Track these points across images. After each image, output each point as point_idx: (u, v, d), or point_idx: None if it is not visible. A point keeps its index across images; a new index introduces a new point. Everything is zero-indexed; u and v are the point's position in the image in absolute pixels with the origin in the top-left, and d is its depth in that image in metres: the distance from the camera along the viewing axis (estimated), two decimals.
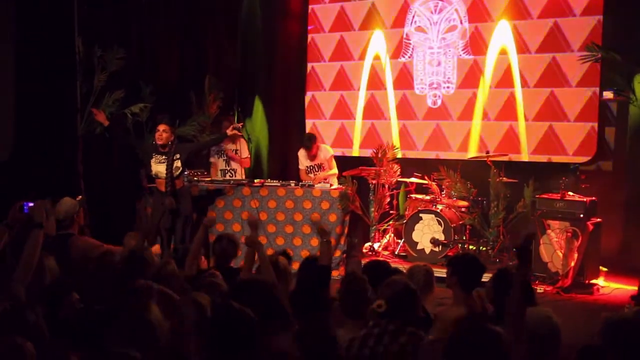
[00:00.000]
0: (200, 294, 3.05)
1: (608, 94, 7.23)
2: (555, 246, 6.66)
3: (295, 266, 6.39)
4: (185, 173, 6.99)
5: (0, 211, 4.20)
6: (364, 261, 7.16)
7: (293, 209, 7.25)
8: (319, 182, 7.48)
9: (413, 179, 8.00)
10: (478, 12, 8.39)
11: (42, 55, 6.90)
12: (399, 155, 8.39)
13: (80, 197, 5.18)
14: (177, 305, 3.02)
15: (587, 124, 7.75)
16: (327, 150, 7.97)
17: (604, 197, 7.07)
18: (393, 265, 5.04)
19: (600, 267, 6.87)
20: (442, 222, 7.39)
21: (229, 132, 6.98)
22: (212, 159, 7.92)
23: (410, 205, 7.88)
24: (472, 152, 8.37)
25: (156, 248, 5.52)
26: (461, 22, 8.51)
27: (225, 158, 7.91)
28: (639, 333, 2.67)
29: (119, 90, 7.66)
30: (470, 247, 7.52)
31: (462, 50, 8.51)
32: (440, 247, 7.38)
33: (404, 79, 8.93)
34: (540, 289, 6.37)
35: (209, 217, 4.67)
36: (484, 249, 7.39)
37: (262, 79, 9.79)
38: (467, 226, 7.48)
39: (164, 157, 6.46)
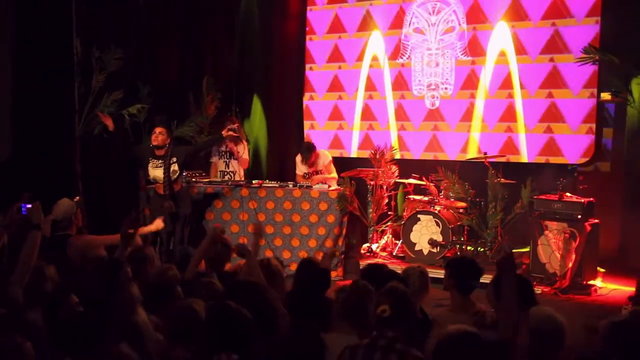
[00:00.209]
0: (195, 300, 3.05)
1: (606, 96, 7.25)
2: (553, 247, 6.67)
3: (293, 267, 6.43)
4: (184, 174, 7.00)
5: None
6: (362, 262, 7.17)
7: (291, 210, 7.25)
8: (317, 183, 7.48)
9: (411, 180, 8.00)
10: (476, 14, 8.40)
11: (40, 56, 6.89)
12: (397, 157, 8.40)
13: (78, 197, 5.17)
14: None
15: (585, 125, 7.77)
16: (325, 156, 7.95)
17: (602, 198, 7.08)
18: (391, 266, 5.06)
19: (598, 268, 6.88)
20: (440, 223, 7.40)
21: (224, 133, 7.01)
22: (213, 159, 7.93)
23: (408, 207, 7.89)
24: (470, 154, 8.38)
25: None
26: (459, 24, 8.52)
27: (225, 159, 7.91)
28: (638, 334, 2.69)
29: (117, 91, 7.66)
30: (468, 248, 7.53)
31: (460, 51, 8.52)
32: (438, 248, 7.39)
33: (402, 81, 8.93)
34: (538, 289, 6.37)
35: (219, 229, 4.68)
36: (482, 249, 7.40)
37: (260, 79, 9.77)
38: (465, 227, 7.49)
39: (160, 161, 6.48)
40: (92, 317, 2.78)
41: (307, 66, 9.60)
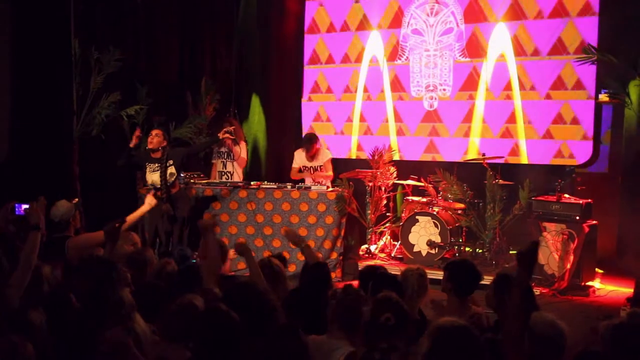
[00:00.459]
0: (195, 296, 3.05)
1: (603, 97, 7.26)
2: (551, 248, 6.67)
3: (292, 269, 6.42)
4: (182, 175, 6.99)
5: None
6: (360, 264, 7.17)
7: (290, 211, 7.24)
8: (318, 180, 7.48)
9: (409, 181, 8.00)
10: (474, 15, 8.41)
11: (38, 57, 6.88)
12: (396, 158, 8.40)
13: (76, 199, 5.15)
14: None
15: (583, 126, 7.78)
16: (325, 153, 7.96)
17: (600, 199, 7.09)
18: (389, 267, 5.06)
19: (596, 269, 6.89)
20: (438, 224, 7.40)
21: (220, 135, 7.03)
22: (213, 160, 7.95)
23: (407, 208, 7.88)
24: (469, 155, 8.38)
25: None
26: (457, 25, 8.53)
27: (222, 159, 7.92)
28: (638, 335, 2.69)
29: (116, 92, 7.65)
30: (467, 249, 7.53)
31: (459, 52, 8.53)
32: (437, 249, 7.39)
33: (400, 82, 8.94)
34: (536, 291, 6.36)
35: (207, 220, 4.73)
36: (480, 251, 7.41)
37: (258, 80, 9.79)
38: (464, 228, 7.49)
39: (157, 164, 6.48)
40: (88, 315, 2.78)
41: (306, 66, 9.60)
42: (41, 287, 3.37)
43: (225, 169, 7.88)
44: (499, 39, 8.24)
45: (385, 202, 7.96)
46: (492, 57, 8.30)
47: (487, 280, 3.96)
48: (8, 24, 6.90)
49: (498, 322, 3.43)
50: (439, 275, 4.12)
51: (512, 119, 8.20)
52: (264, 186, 7.42)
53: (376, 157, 7.92)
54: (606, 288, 6.71)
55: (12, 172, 6.58)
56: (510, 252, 7.22)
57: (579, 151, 7.80)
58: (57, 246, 4.51)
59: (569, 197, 6.84)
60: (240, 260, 7.09)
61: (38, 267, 3.44)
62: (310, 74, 9.61)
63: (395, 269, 6.57)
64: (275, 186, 7.40)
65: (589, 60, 7.14)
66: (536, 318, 2.86)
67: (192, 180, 7.37)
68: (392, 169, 8.04)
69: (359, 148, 9.22)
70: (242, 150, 7.80)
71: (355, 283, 3.91)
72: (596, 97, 7.56)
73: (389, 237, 7.97)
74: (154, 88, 8.18)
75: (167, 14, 8.80)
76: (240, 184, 7.51)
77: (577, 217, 6.62)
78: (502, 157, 7.85)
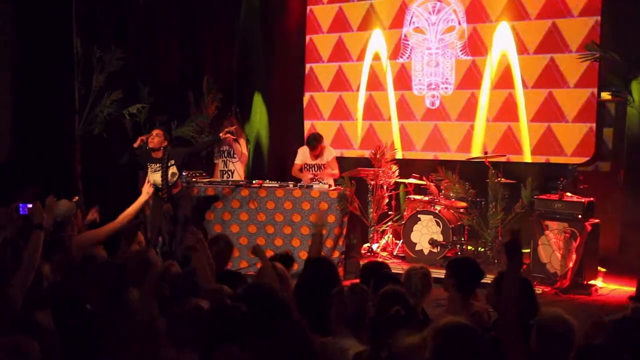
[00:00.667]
0: (201, 300, 3.03)
1: (606, 95, 7.24)
2: (553, 247, 6.66)
3: (294, 267, 6.41)
4: (184, 174, 7.01)
5: None
6: (362, 262, 7.17)
7: (292, 209, 7.24)
8: (325, 178, 7.48)
9: (411, 180, 7.99)
10: (476, 13, 8.40)
11: (40, 56, 6.88)
12: (399, 156, 8.39)
13: (76, 198, 5.16)
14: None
15: (585, 124, 7.76)
16: (330, 151, 7.94)
17: (602, 198, 7.08)
18: (392, 266, 5.05)
19: (599, 268, 6.88)
20: (440, 222, 7.40)
21: (222, 135, 7.04)
22: (215, 161, 7.96)
23: (409, 206, 7.88)
24: (471, 153, 8.37)
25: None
26: (459, 23, 8.51)
27: (223, 158, 7.92)
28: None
29: (118, 91, 7.65)
30: (469, 247, 7.53)
31: (460, 51, 8.52)
32: (439, 248, 7.39)
33: (403, 80, 8.93)
34: (538, 289, 6.36)
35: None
36: (483, 249, 7.40)
37: (260, 78, 9.78)
38: (466, 227, 7.49)
39: (158, 165, 6.49)
40: (97, 316, 2.78)
41: (308, 65, 9.60)
42: (42, 286, 3.37)
43: (227, 167, 7.89)
44: (501, 36, 8.22)
45: (387, 200, 7.96)
46: (494, 55, 8.29)
47: (489, 278, 3.96)
48: (10, 24, 6.91)
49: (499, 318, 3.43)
50: (441, 274, 4.11)
51: (514, 117, 8.18)
52: (266, 185, 7.41)
53: (378, 156, 7.91)
54: (608, 287, 6.70)
55: (14, 171, 6.59)
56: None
57: (581, 149, 7.79)
58: (60, 245, 4.51)
59: (571, 196, 6.83)
60: (242, 259, 7.12)
61: (39, 267, 3.44)
62: (313, 71, 9.60)
63: (397, 268, 6.59)
64: (277, 185, 7.40)
65: (591, 57, 7.13)
66: (544, 313, 2.86)
67: (193, 179, 7.37)
68: (394, 167, 8.04)
69: (361, 146, 9.21)
70: (242, 147, 7.83)
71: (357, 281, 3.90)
72: (598, 95, 7.54)
73: (391, 236, 7.96)
74: (156, 87, 8.18)
75: (169, 13, 8.80)
76: (242, 182, 7.51)
77: (580, 216, 6.62)
78: (504, 155, 7.84)
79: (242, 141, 7.89)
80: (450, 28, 8.57)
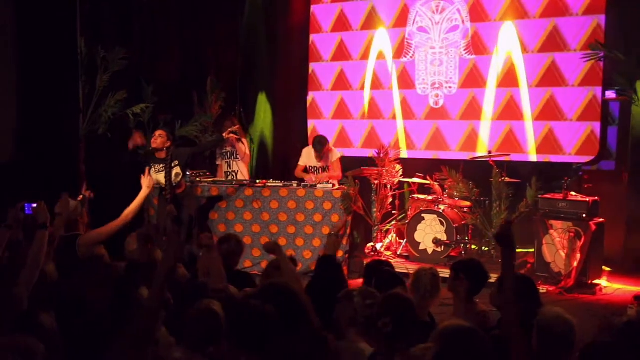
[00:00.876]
0: (212, 301, 3.01)
1: (610, 94, 7.22)
2: (558, 246, 6.65)
3: (298, 268, 6.41)
4: (188, 174, 7.01)
5: (1, 212, 4.19)
6: (365, 261, 7.16)
7: (295, 209, 7.24)
8: (323, 182, 7.47)
9: (415, 179, 7.99)
10: (479, 12, 8.39)
11: (44, 56, 6.89)
12: (402, 155, 8.38)
13: (81, 197, 5.16)
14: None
15: (589, 124, 7.75)
16: (335, 153, 7.93)
17: (607, 197, 7.06)
18: (395, 265, 5.05)
19: (603, 267, 6.87)
20: (444, 222, 7.39)
21: (225, 135, 7.05)
22: (218, 162, 7.96)
23: (413, 206, 7.88)
24: (475, 152, 8.36)
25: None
26: (463, 22, 8.50)
27: (226, 159, 7.92)
28: None
29: (122, 91, 7.66)
30: (473, 247, 7.52)
31: (464, 50, 8.51)
32: (443, 247, 7.38)
33: (406, 79, 8.92)
34: (543, 289, 6.35)
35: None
36: (486, 249, 7.40)
37: (264, 78, 9.78)
38: (470, 226, 7.48)
39: (162, 165, 6.50)
40: (105, 317, 2.76)
41: (312, 63, 9.59)
42: (45, 285, 3.37)
43: (231, 168, 7.89)
44: (505, 35, 8.21)
45: (391, 200, 7.96)
46: (498, 54, 8.28)
47: (493, 278, 3.95)
48: (14, 24, 6.92)
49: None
50: (445, 273, 4.10)
51: (518, 116, 8.17)
52: (269, 184, 7.42)
53: (382, 155, 7.91)
54: (613, 286, 6.68)
55: (18, 171, 6.60)
56: (517, 250, 7.19)
57: (586, 148, 7.77)
58: (68, 245, 4.52)
59: (575, 195, 6.81)
60: (246, 259, 7.12)
61: (43, 266, 3.45)
62: (316, 71, 9.60)
63: (401, 267, 6.59)
64: (281, 184, 7.40)
65: (596, 56, 7.11)
66: (545, 313, 2.86)
67: (197, 179, 7.37)
68: (398, 166, 8.03)
69: (365, 145, 9.21)
70: (245, 147, 7.84)
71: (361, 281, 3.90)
72: (603, 94, 7.52)
73: (394, 235, 7.96)
74: (160, 86, 8.18)
75: (173, 13, 8.80)
76: (246, 182, 7.51)
77: (584, 215, 6.61)
78: (508, 154, 7.82)
79: (245, 141, 7.88)
80: (454, 27, 8.56)
